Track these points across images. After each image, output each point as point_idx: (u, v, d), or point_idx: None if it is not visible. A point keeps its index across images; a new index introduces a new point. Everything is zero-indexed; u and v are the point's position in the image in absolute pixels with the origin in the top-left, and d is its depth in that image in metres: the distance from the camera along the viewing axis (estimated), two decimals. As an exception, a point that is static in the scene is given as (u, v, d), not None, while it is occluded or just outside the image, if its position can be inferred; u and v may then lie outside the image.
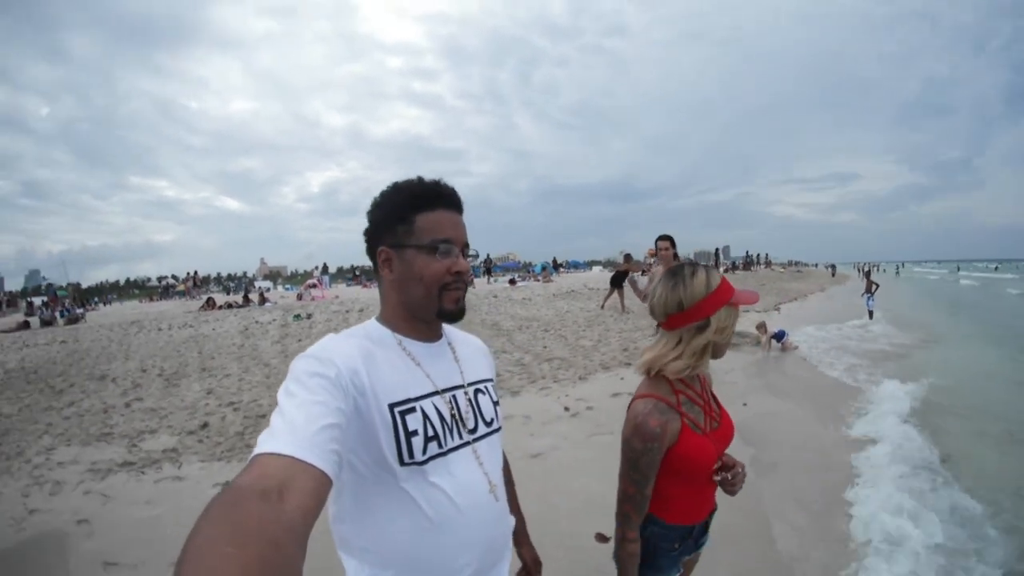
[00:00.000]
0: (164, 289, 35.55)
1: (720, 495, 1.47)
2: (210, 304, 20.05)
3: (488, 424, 1.12)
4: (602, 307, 14.00)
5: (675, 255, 4.83)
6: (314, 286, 26.82)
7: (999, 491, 3.72)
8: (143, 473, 4.25)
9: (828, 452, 4.49)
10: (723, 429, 1.42)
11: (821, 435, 4.95)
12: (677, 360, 1.30)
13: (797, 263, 71.23)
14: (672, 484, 1.34)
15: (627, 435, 1.30)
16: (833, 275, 43.85)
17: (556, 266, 33.84)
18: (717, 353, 1.35)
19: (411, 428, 0.96)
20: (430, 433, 0.98)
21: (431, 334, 1.11)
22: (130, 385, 7.38)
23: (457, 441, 1.03)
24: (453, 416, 1.04)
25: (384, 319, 1.09)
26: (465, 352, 1.18)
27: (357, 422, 0.89)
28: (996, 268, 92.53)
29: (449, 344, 1.15)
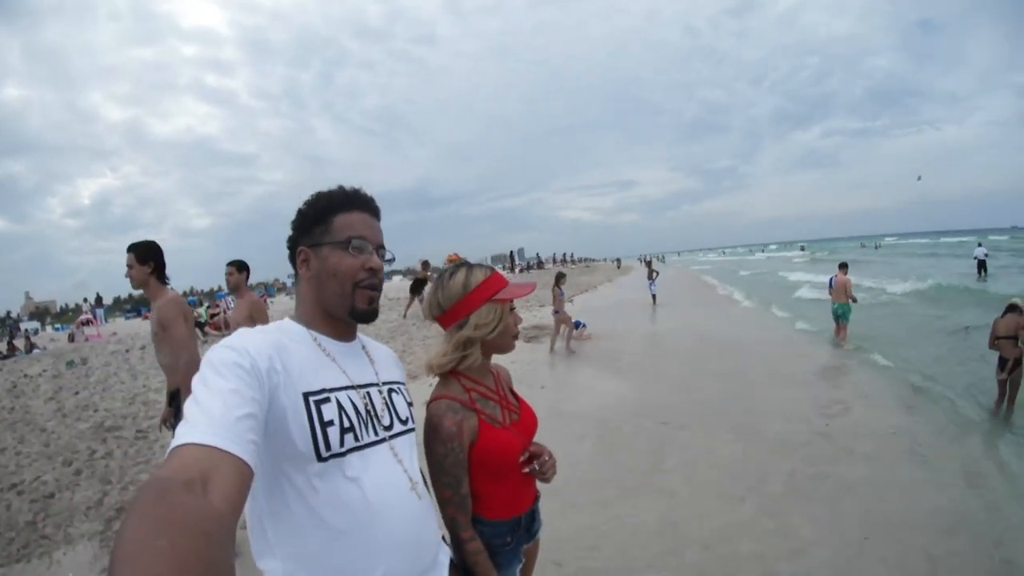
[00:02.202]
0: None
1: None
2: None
3: (403, 423, 1.15)
4: (404, 316, 14.05)
5: (247, 278, 4.54)
6: (87, 323, 22.99)
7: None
8: (-70, 601, 3.29)
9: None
10: (524, 421, 1.49)
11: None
12: (443, 356, 1.38)
13: (586, 259, 78.84)
14: (486, 481, 1.38)
15: (427, 440, 1.33)
16: (619, 267, 49.74)
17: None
18: (497, 348, 1.43)
19: (326, 418, 0.96)
20: (346, 424, 0.99)
21: (346, 334, 1.15)
22: None
23: (373, 437, 1.05)
24: (368, 411, 1.06)
25: (299, 317, 1.12)
26: (378, 355, 1.23)
27: (271, 415, 0.88)
28: (763, 250, 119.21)
29: (363, 347, 1.20)
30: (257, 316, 4.26)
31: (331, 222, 1.10)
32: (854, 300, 9.07)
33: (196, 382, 0.82)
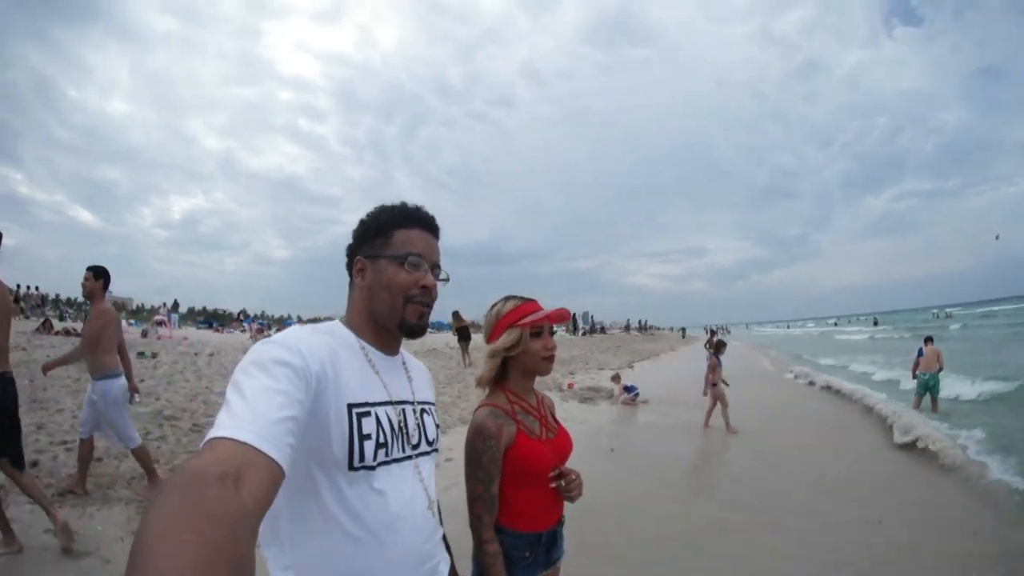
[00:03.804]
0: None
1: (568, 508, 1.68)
2: (47, 327, 18.01)
3: (430, 443, 1.18)
4: (466, 365, 14.33)
5: (104, 286, 4.19)
6: (161, 323, 24.57)
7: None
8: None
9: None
10: (560, 440, 1.66)
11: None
12: (482, 367, 1.66)
13: (651, 327, 77.62)
14: (515, 488, 1.52)
15: (469, 438, 1.51)
16: (683, 336, 48.50)
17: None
18: (530, 368, 1.63)
19: (365, 431, 0.99)
20: (381, 440, 1.02)
21: (391, 347, 1.17)
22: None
23: (400, 454, 1.08)
24: (401, 428, 1.09)
25: (349, 323, 1.14)
26: (416, 372, 1.25)
27: (311, 417, 0.88)
28: (835, 323, 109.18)
29: (403, 362, 1.22)
30: (107, 328, 4.08)
31: (391, 236, 1.12)
32: (940, 367, 9.19)
33: (240, 374, 0.81)
